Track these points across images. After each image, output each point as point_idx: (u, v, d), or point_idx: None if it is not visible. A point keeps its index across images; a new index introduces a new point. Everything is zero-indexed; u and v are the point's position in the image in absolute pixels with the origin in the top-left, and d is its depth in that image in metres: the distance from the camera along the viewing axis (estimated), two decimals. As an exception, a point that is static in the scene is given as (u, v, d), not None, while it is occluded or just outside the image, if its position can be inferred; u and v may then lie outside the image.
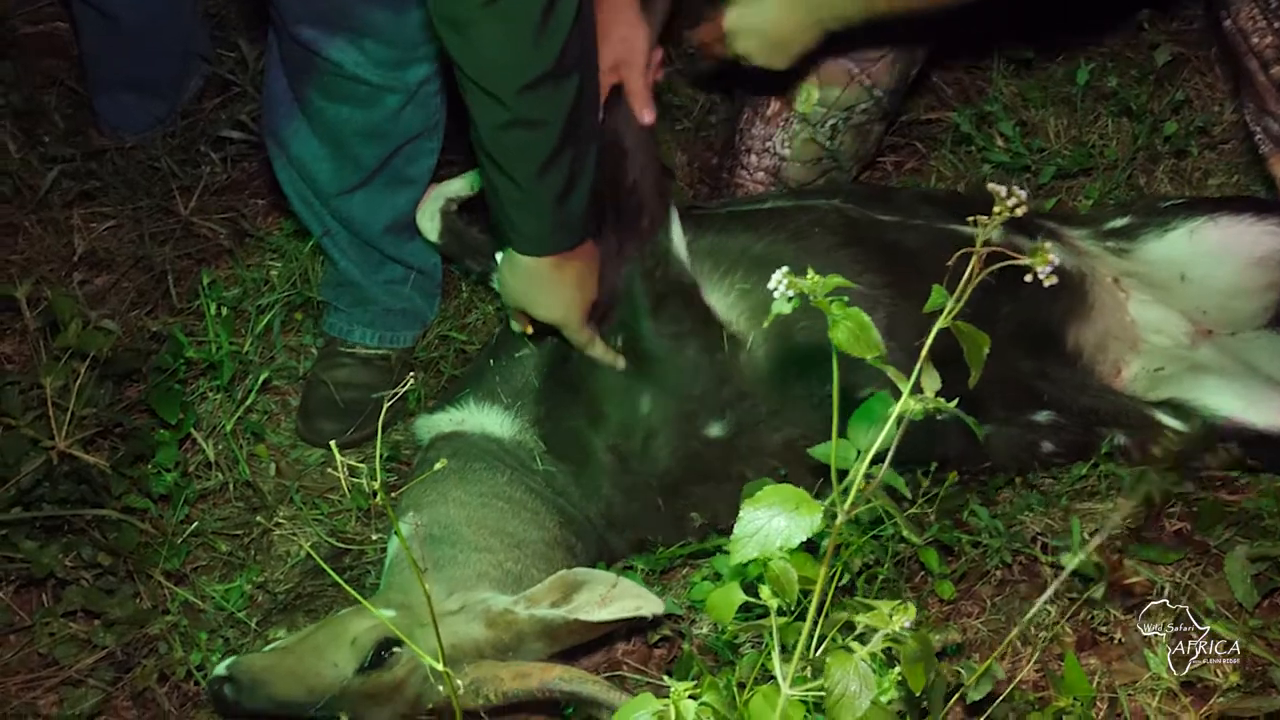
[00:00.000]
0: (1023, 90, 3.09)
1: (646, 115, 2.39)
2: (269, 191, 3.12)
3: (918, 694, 1.40)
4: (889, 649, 1.36)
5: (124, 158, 3.23)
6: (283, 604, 2.44)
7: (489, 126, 2.04)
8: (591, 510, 2.36)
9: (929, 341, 1.24)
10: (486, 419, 2.42)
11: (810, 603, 1.37)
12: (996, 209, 1.21)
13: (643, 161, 2.39)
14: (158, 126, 3.28)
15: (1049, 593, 1.82)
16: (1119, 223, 2.65)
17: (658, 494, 2.36)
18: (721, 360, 2.34)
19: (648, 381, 2.34)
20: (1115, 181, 2.94)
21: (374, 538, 2.54)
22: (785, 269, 1.25)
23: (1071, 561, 2.05)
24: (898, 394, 1.30)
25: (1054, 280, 1.21)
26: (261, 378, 2.73)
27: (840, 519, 1.29)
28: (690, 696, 1.40)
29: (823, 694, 1.31)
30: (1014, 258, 1.20)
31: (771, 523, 1.31)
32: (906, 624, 1.31)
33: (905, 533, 2.18)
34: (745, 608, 1.49)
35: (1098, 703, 2.12)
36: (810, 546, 1.38)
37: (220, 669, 2.09)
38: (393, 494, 2.51)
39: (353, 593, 1.52)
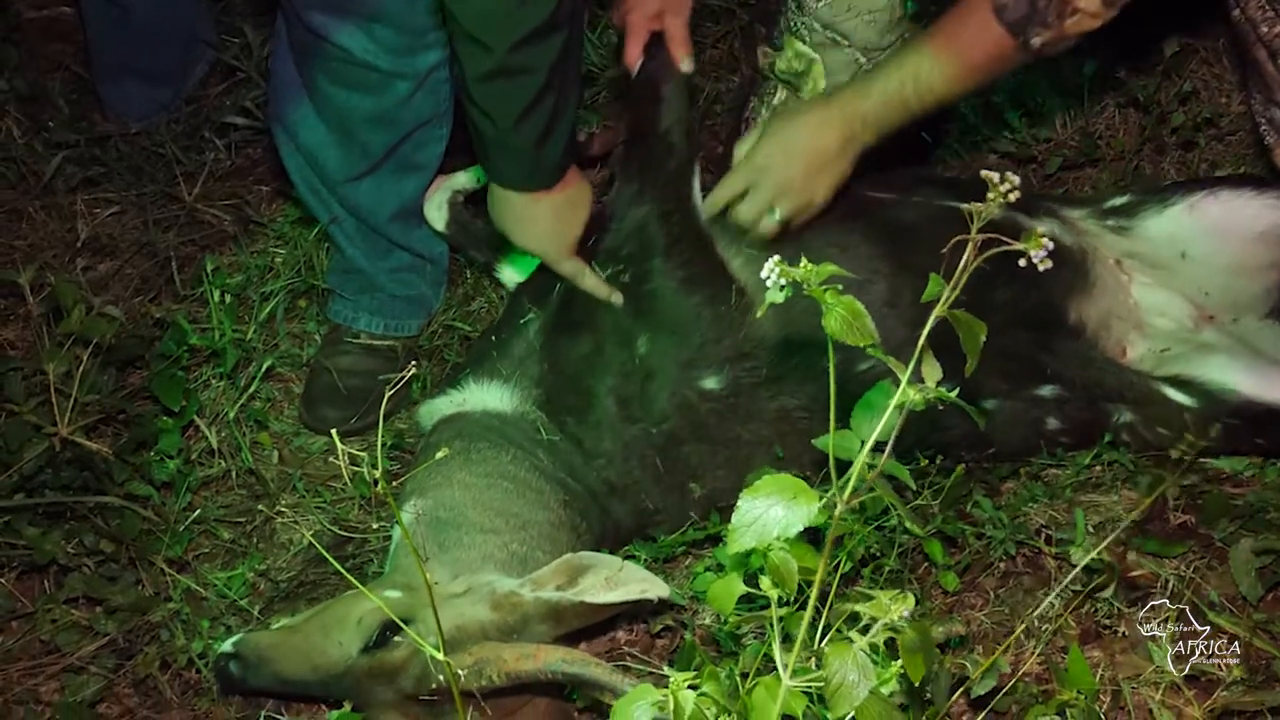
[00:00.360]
0: (1029, 80, 3.08)
1: (685, 64, 2.45)
2: (273, 178, 3.12)
3: (918, 684, 1.39)
4: (891, 640, 1.35)
5: (128, 143, 3.23)
6: (285, 592, 2.44)
7: (475, 74, 2.10)
8: (593, 478, 2.36)
9: (926, 331, 1.23)
10: (487, 396, 2.42)
11: (811, 592, 1.36)
12: (991, 195, 1.21)
13: (676, 109, 2.45)
14: (162, 112, 3.28)
15: (1058, 590, 1.82)
16: (1118, 201, 2.65)
17: (657, 453, 2.36)
18: (725, 314, 2.37)
19: (649, 321, 2.37)
20: (1122, 172, 2.93)
21: (375, 526, 2.54)
22: (776, 258, 1.24)
23: (1083, 558, 2.05)
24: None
25: (1048, 265, 1.20)
26: (265, 365, 2.72)
27: (839, 509, 1.29)
28: (690, 687, 1.40)
29: (823, 685, 1.31)
30: (1008, 241, 1.19)
31: (769, 512, 1.31)
32: (905, 614, 1.30)
33: (908, 524, 2.18)
34: (748, 598, 1.49)
35: (1101, 696, 2.12)
36: (813, 537, 1.37)
37: (226, 646, 2.11)
38: (395, 482, 2.51)
39: (354, 581, 1.52)
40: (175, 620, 2.36)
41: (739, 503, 1.33)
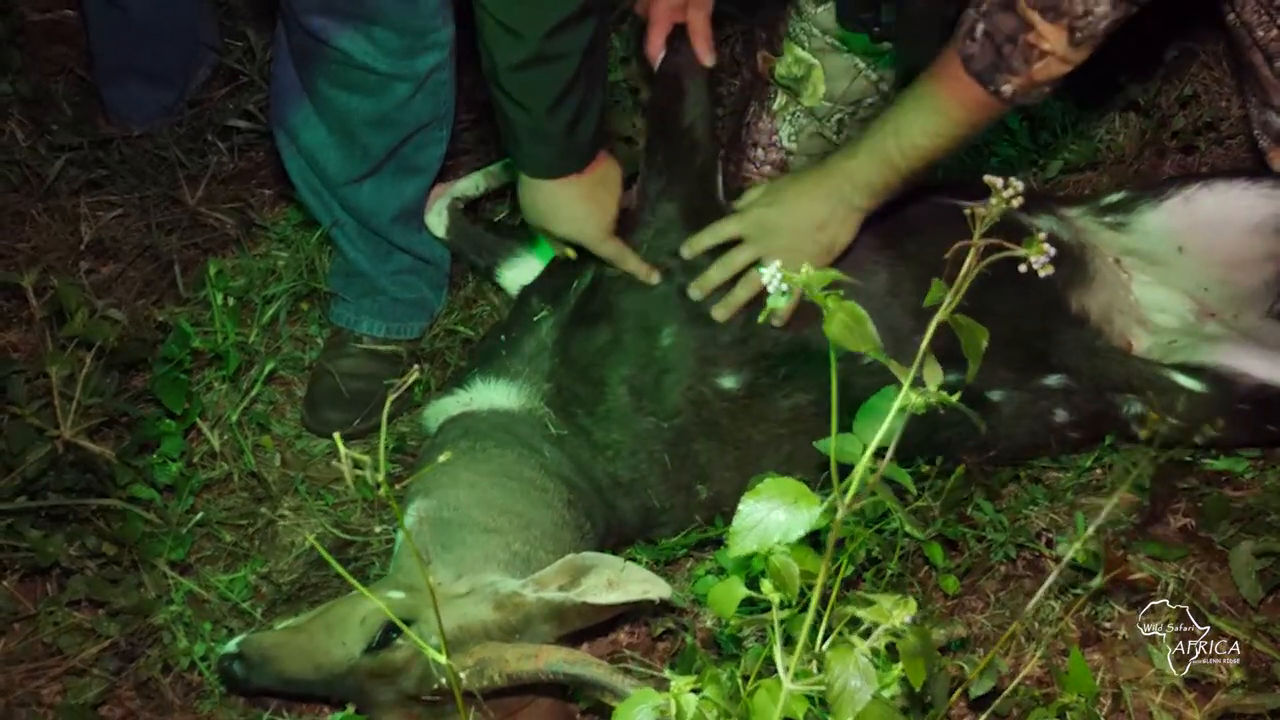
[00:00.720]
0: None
1: (708, 57, 2.46)
2: (276, 181, 3.12)
3: (918, 689, 1.39)
4: (891, 644, 1.36)
5: (131, 146, 3.23)
6: (287, 595, 2.44)
7: (508, 64, 2.11)
8: (600, 472, 2.37)
9: (928, 337, 1.24)
10: (495, 394, 2.43)
11: (813, 596, 1.37)
12: (993, 200, 1.21)
13: (699, 103, 2.46)
14: (165, 115, 3.28)
15: (1048, 583, 1.82)
16: (1114, 198, 2.66)
17: (665, 449, 2.37)
18: (753, 311, 2.36)
19: (677, 314, 2.38)
20: (1122, 176, 2.93)
21: (378, 530, 2.54)
22: (778, 263, 1.25)
23: (1069, 551, 2.05)
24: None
25: (1050, 270, 1.20)
26: (267, 368, 2.73)
27: (841, 513, 1.29)
28: (692, 690, 1.40)
29: (825, 689, 1.31)
30: (1010, 247, 1.20)
31: (770, 516, 1.31)
32: (907, 619, 1.30)
33: (908, 527, 2.18)
34: (750, 602, 1.49)
35: (1101, 699, 2.12)
36: (815, 540, 1.38)
37: (230, 646, 2.13)
38: (399, 484, 2.51)
39: (356, 584, 1.52)
40: (177, 623, 2.36)
41: (741, 506, 1.34)
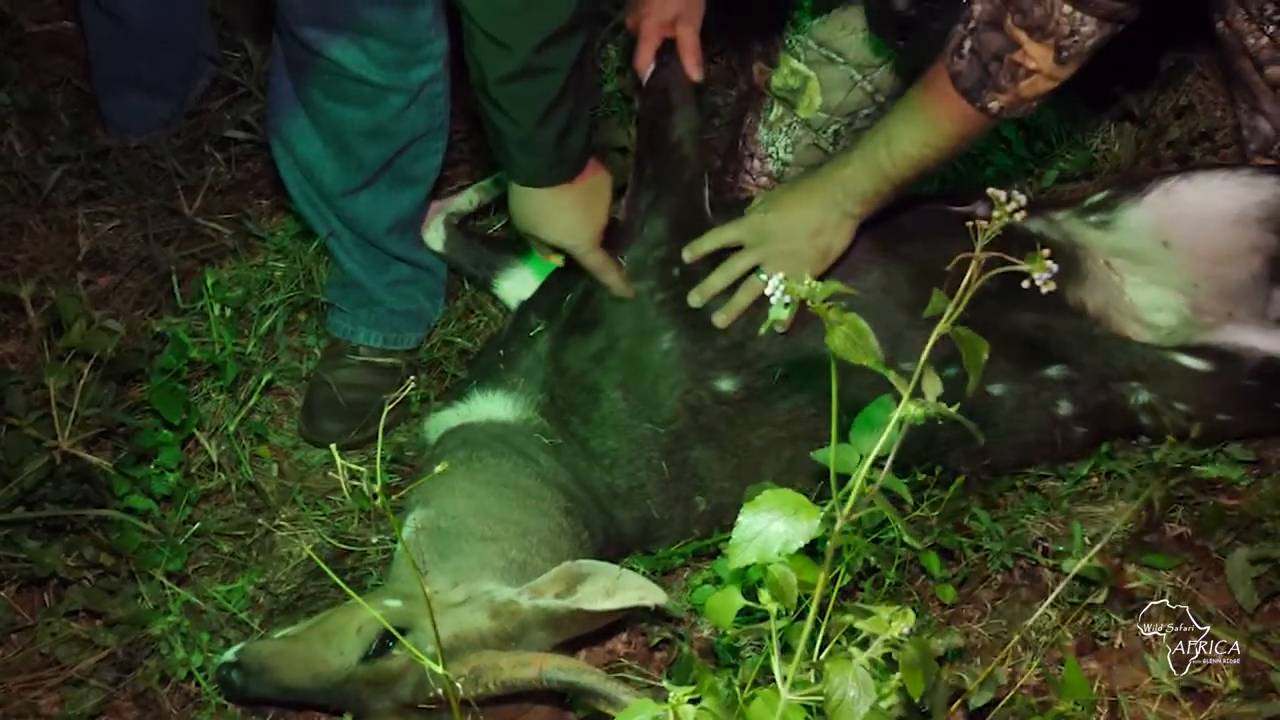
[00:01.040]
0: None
1: (696, 73, 2.49)
2: (273, 192, 3.12)
3: (917, 700, 1.40)
4: (889, 654, 1.36)
5: (129, 157, 3.23)
6: (284, 605, 2.44)
7: (497, 76, 2.12)
8: (597, 481, 2.37)
9: (928, 348, 1.24)
10: (492, 405, 2.45)
11: (810, 605, 1.37)
12: (996, 213, 1.21)
13: (688, 119, 2.48)
14: (163, 126, 3.28)
15: (1051, 598, 1.83)
16: (1097, 197, 2.66)
17: (662, 456, 2.38)
18: (753, 320, 2.38)
19: (668, 320, 2.40)
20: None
21: (375, 540, 2.54)
22: (781, 274, 1.25)
23: (1074, 567, 2.05)
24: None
25: (1052, 287, 1.21)
26: (265, 378, 2.73)
27: (839, 524, 1.29)
28: (690, 700, 1.40)
29: (823, 699, 1.31)
30: (1013, 261, 1.20)
31: (770, 527, 1.32)
32: (906, 630, 1.31)
33: (905, 537, 2.18)
34: (747, 611, 1.49)
35: (1098, 707, 2.12)
36: (813, 549, 1.38)
37: (228, 655, 2.13)
38: (395, 495, 2.52)
39: (353, 595, 1.52)
40: (175, 633, 2.36)
41: (740, 518, 1.34)
